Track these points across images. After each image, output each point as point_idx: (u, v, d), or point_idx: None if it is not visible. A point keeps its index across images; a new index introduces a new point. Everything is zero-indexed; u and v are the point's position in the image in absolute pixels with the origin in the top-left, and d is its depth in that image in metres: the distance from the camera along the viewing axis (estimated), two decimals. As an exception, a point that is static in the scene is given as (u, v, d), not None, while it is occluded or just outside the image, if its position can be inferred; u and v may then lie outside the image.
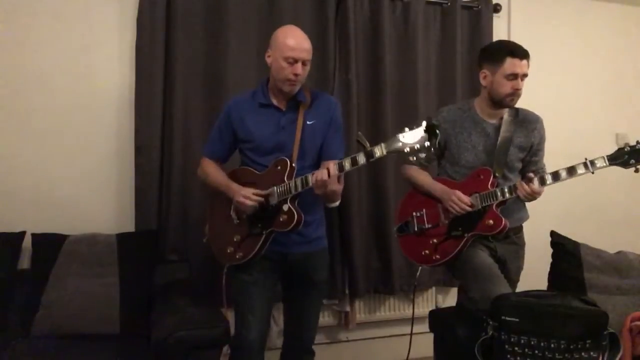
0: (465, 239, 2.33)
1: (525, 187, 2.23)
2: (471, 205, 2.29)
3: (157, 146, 2.88)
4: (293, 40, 2.14)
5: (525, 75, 2.31)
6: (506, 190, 2.28)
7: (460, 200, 2.30)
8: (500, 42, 2.51)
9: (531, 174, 2.27)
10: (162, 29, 2.87)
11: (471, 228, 2.32)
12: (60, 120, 2.84)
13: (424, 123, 1.90)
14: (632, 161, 2.14)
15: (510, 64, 2.28)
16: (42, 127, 2.82)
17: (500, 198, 2.28)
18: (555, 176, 2.21)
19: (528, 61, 2.31)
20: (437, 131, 1.89)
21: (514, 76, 2.29)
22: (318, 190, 2.06)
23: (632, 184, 3.74)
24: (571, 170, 2.18)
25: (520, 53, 2.30)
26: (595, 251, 2.68)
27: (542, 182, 2.23)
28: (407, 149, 1.91)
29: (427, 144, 1.89)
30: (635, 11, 3.88)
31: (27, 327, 2.46)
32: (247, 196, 2.15)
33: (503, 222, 2.28)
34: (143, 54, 2.86)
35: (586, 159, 2.16)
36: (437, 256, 2.38)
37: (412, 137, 1.91)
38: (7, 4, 2.77)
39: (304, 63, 2.15)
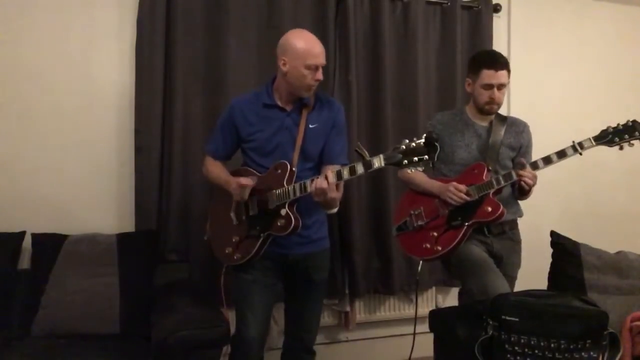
0: (464, 228, 2.37)
1: (530, 170, 2.30)
2: (468, 194, 2.34)
3: (157, 146, 2.88)
4: (316, 48, 2.14)
5: (501, 85, 2.41)
6: (501, 178, 2.35)
7: (457, 189, 2.35)
8: (481, 53, 2.61)
9: (522, 159, 2.37)
10: (162, 29, 2.87)
11: (470, 217, 2.36)
12: (60, 120, 2.84)
13: (424, 136, 1.91)
14: (616, 139, 2.33)
15: (486, 75, 2.40)
16: (42, 127, 2.82)
17: (496, 186, 2.34)
18: (547, 160, 2.32)
19: (507, 71, 2.41)
20: (437, 144, 1.90)
21: (489, 86, 2.41)
22: (317, 197, 2.06)
23: (632, 184, 3.75)
24: (561, 153, 2.31)
25: (496, 65, 2.39)
26: (595, 251, 2.68)
27: (535, 166, 2.33)
28: (405, 162, 1.92)
29: (425, 157, 1.90)
30: (635, 11, 3.89)
31: (27, 327, 2.46)
32: (240, 182, 2.16)
33: (501, 209, 2.33)
34: (143, 54, 2.86)
35: (574, 142, 2.31)
36: (439, 247, 2.40)
37: (411, 150, 1.91)
38: (6, 4, 2.77)
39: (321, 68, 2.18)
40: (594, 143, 2.31)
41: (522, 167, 2.32)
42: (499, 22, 3.55)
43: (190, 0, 2.93)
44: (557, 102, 3.65)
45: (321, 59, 2.15)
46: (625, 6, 3.85)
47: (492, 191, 2.34)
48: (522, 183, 2.32)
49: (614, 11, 3.83)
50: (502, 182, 2.34)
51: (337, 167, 2.10)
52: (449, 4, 3.37)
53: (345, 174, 2.03)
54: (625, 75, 3.85)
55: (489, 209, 2.34)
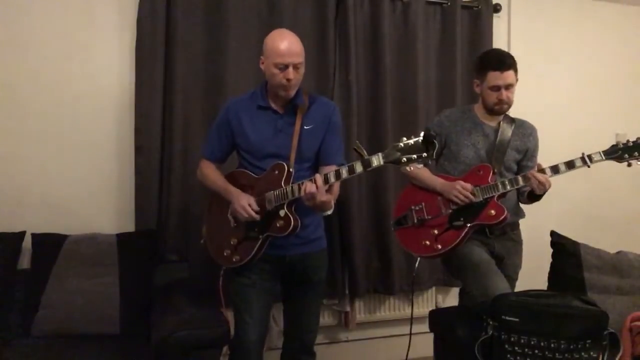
0: (466, 228, 2.36)
1: (539, 175, 2.27)
2: (473, 194, 2.34)
3: (157, 146, 2.88)
4: (282, 45, 2.10)
5: (509, 85, 2.39)
6: (507, 182, 2.34)
7: (464, 188, 2.34)
8: (487, 54, 2.56)
9: (540, 165, 2.33)
10: (162, 29, 2.87)
11: (473, 218, 2.36)
12: (60, 120, 2.84)
13: (422, 134, 1.91)
14: (626, 156, 2.31)
15: (492, 77, 2.38)
16: (42, 127, 2.81)
17: (501, 190, 2.34)
18: (554, 169, 2.31)
19: (514, 71, 2.39)
20: (435, 141, 1.90)
21: (497, 88, 2.39)
22: (307, 202, 2.04)
23: (632, 185, 3.75)
24: (569, 164, 2.30)
25: (502, 66, 2.38)
26: (595, 251, 2.68)
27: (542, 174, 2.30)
28: (404, 159, 1.91)
29: (424, 154, 1.90)
30: (635, 11, 3.89)
31: (27, 327, 2.46)
32: (245, 208, 2.13)
33: (505, 212, 2.34)
34: (143, 54, 2.86)
35: (583, 154, 2.31)
36: (438, 246, 2.40)
37: (410, 147, 1.91)
38: (6, 4, 2.77)
39: (295, 67, 2.12)
40: (603, 157, 2.31)
41: (541, 172, 2.29)
42: (499, 22, 3.55)
43: (190, 0, 2.93)
44: (557, 102, 3.65)
45: (290, 58, 2.10)
46: (626, 6, 3.85)
47: (496, 195, 2.34)
48: (534, 186, 2.28)
49: (614, 11, 3.84)
50: (508, 186, 2.34)
51: (334, 167, 2.09)
52: (449, 4, 3.37)
53: (344, 173, 2.03)
54: (625, 75, 3.85)
55: (493, 212, 2.34)
